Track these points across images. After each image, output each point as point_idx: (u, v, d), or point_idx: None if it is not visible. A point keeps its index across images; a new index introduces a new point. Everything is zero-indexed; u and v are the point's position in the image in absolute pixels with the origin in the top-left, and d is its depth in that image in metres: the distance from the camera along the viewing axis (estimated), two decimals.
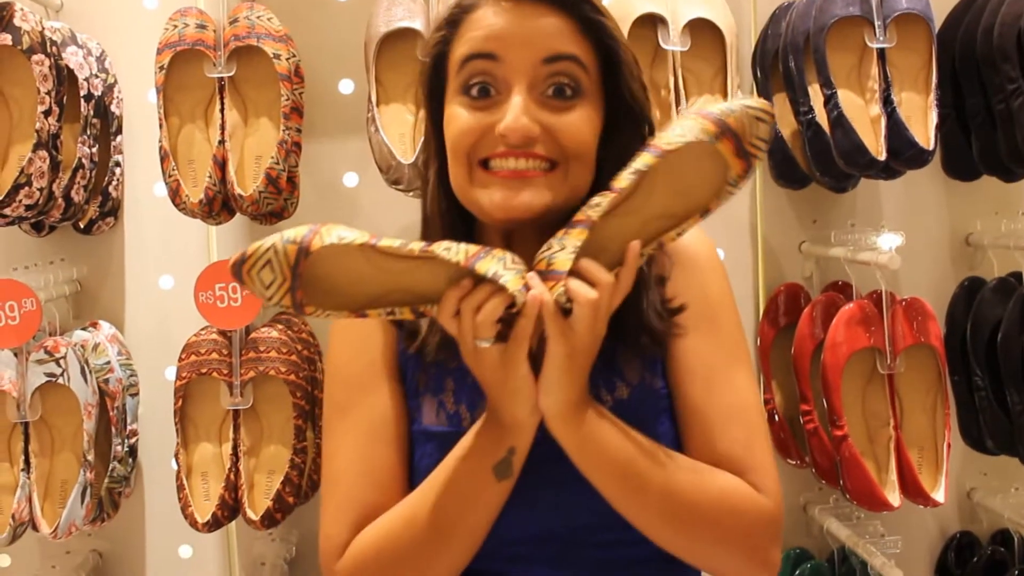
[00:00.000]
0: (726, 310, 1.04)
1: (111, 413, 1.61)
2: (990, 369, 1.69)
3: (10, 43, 1.49)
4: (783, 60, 1.65)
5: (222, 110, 1.58)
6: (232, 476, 1.57)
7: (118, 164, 1.73)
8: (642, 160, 0.91)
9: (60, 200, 1.57)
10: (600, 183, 0.95)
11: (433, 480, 0.95)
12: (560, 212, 0.94)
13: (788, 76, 1.65)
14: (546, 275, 0.89)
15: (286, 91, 1.57)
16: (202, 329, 1.63)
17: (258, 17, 1.60)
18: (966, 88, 1.65)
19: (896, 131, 1.56)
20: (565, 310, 0.88)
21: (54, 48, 1.53)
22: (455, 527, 0.94)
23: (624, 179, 0.90)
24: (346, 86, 1.75)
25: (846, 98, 1.60)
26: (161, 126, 1.58)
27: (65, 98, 1.55)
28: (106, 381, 1.62)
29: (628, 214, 0.92)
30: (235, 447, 1.58)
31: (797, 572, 1.77)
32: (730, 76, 1.66)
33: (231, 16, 1.61)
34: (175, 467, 1.62)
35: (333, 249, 0.86)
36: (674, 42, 1.64)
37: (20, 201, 1.48)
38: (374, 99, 1.59)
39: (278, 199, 1.57)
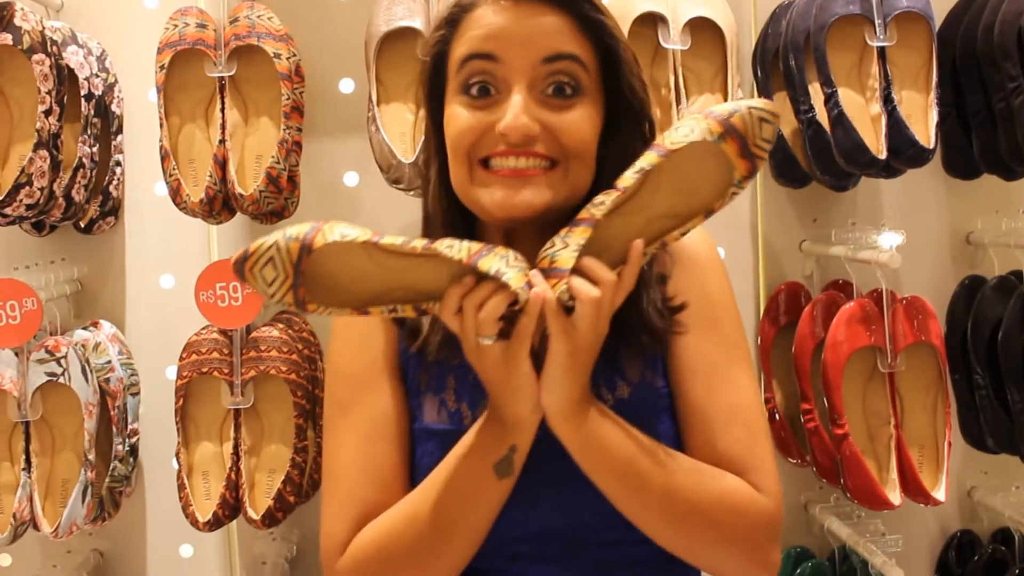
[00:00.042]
0: (727, 309, 1.05)
1: (112, 412, 1.62)
2: (991, 368, 1.69)
3: (10, 43, 1.49)
4: (783, 59, 1.65)
5: (223, 109, 1.58)
6: (233, 475, 1.57)
7: (119, 164, 1.73)
8: (647, 159, 0.91)
9: (61, 200, 1.57)
10: (600, 182, 0.95)
11: (434, 478, 0.95)
12: (560, 211, 0.95)
13: (788, 75, 1.65)
14: (549, 273, 0.89)
15: (287, 90, 1.57)
16: (203, 328, 1.63)
17: (258, 16, 1.60)
18: (966, 86, 1.65)
19: (896, 130, 1.56)
20: (567, 308, 0.88)
21: (54, 48, 1.53)
22: (456, 525, 0.94)
23: (628, 178, 0.90)
24: (346, 85, 1.75)
25: (846, 97, 1.60)
26: (162, 125, 1.58)
27: (66, 98, 1.55)
28: (107, 380, 1.62)
29: (632, 213, 0.92)
30: (236, 446, 1.59)
31: (798, 571, 1.77)
32: (730, 75, 1.66)
33: (231, 15, 1.61)
34: (176, 466, 1.62)
35: (336, 247, 0.86)
36: (674, 41, 1.63)
37: (21, 201, 1.49)
38: (374, 98, 1.59)
39: (279, 198, 1.57)
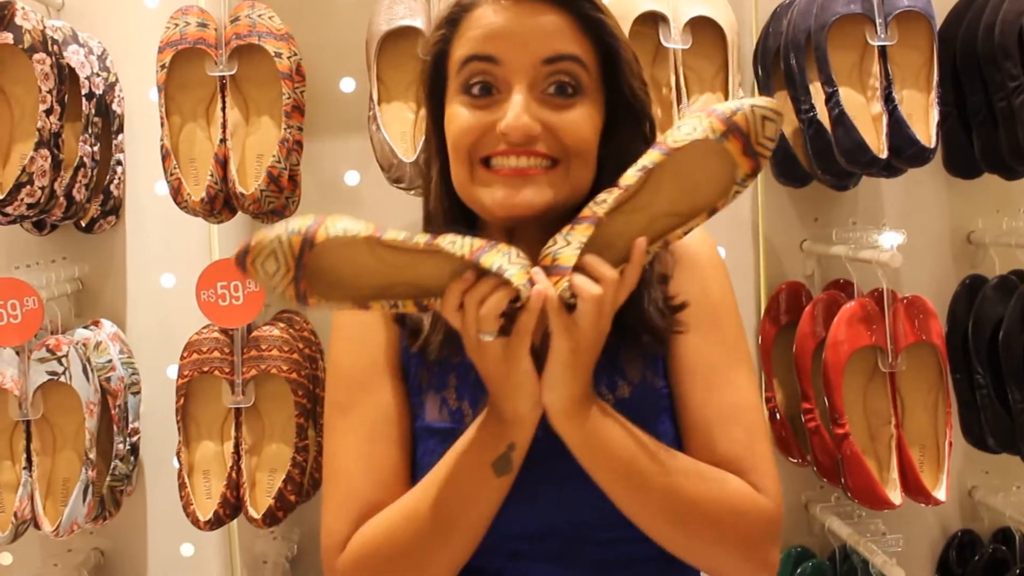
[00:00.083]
0: (727, 310, 1.05)
1: (113, 411, 1.62)
2: (991, 367, 1.69)
3: (11, 42, 1.49)
4: (784, 58, 1.65)
5: (223, 108, 1.58)
6: (234, 474, 1.57)
7: (119, 163, 1.73)
8: (649, 157, 0.91)
9: (62, 199, 1.57)
10: (601, 181, 0.95)
11: (433, 475, 0.95)
12: (562, 210, 0.95)
13: (789, 74, 1.65)
14: (551, 270, 0.89)
15: (287, 89, 1.57)
16: (204, 327, 1.63)
17: (259, 15, 1.60)
18: (967, 86, 1.65)
19: (897, 129, 1.56)
20: (569, 305, 0.88)
21: (55, 47, 1.53)
22: (454, 522, 0.94)
23: (631, 176, 0.90)
24: (347, 84, 1.75)
25: (847, 96, 1.60)
26: (162, 125, 1.58)
27: (66, 97, 1.55)
28: (108, 379, 1.62)
29: (635, 211, 0.91)
30: (237, 445, 1.59)
31: (798, 571, 1.77)
32: (731, 74, 1.66)
33: (232, 15, 1.61)
34: (177, 465, 1.62)
35: (338, 241, 0.86)
36: (675, 40, 1.64)
37: (22, 200, 1.49)
38: (375, 97, 1.59)
39: (280, 197, 1.57)
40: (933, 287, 1.78)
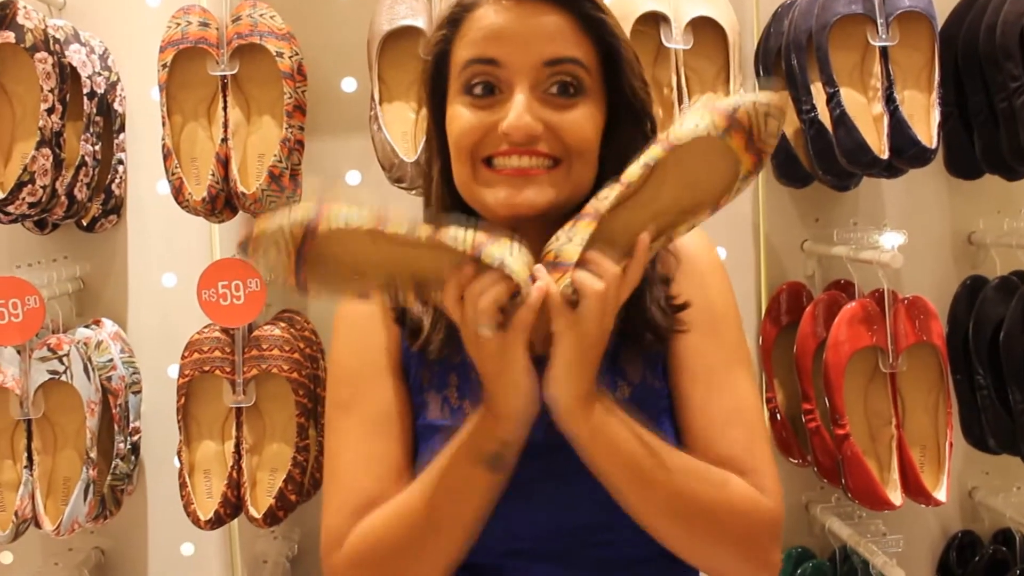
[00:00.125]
0: (727, 312, 1.05)
1: (114, 410, 1.62)
2: (992, 368, 1.69)
3: (13, 41, 1.49)
4: (785, 58, 1.65)
5: (225, 108, 1.58)
6: (235, 474, 1.57)
7: (121, 162, 1.73)
8: (651, 153, 0.90)
9: (63, 198, 1.57)
10: (602, 180, 0.95)
11: (428, 472, 0.95)
12: (563, 209, 0.95)
13: (790, 74, 1.64)
14: (553, 266, 0.88)
15: (289, 89, 1.58)
16: (205, 327, 1.64)
17: (261, 15, 1.60)
18: (969, 86, 1.65)
19: (899, 129, 1.56)
20: (572, 302, 0.87)
21: (57, 46, 1.53)
22: (447, 518, 0.94)
23: (633, 172, 0.90)
24: (349, 84, 1.75)
25: (848, 96, 1.60)
26: (164, 124, 1.58)
27: (68, 96, 1.55)
28: (109, 379, 1.62)
29: (637, 207, 0.91)
30: (238, 445, 1.59)
31: (799, 571, 1.77)
32: (732, 74, 1.66)
33: (234, 14, 1.61)
34: (177, 465, 1.62)
35: (340, 232, 0.86)
36: (677, 40, 1.64)
37: (23, 199, 1.49)
38: (377, 97, 1.59)
39: (281, 197, 1.57)
40: (934, 288, 1.78)
